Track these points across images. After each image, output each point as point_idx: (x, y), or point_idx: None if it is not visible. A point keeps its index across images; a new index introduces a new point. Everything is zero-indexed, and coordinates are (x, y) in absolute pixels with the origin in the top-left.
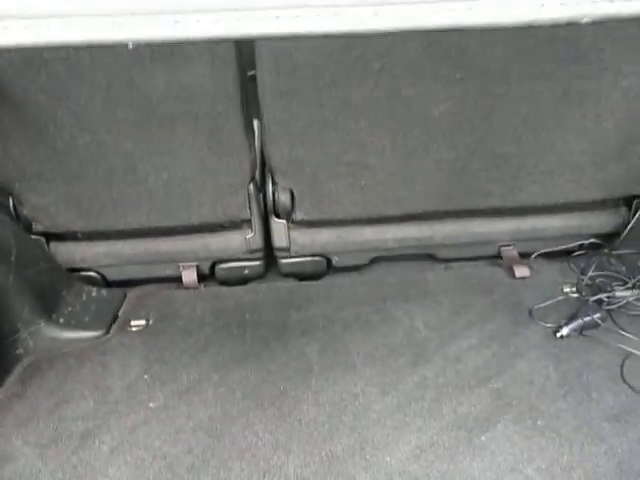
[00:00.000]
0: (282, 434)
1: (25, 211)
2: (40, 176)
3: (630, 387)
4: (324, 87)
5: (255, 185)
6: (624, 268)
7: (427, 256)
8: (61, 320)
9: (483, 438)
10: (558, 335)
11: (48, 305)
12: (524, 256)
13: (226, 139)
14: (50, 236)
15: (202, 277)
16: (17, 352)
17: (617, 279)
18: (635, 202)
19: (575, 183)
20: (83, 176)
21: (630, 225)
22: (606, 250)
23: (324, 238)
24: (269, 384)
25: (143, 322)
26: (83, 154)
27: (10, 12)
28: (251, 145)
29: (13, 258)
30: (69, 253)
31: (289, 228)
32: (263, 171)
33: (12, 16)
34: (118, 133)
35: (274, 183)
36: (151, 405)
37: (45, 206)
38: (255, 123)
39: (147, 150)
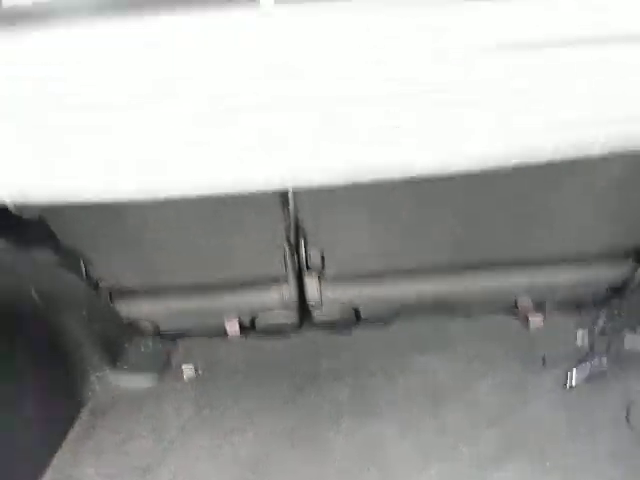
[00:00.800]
0: (315, 470)
1: (93, 272)
2: (107, 243)
3: (633, 429)
4: None
5: (290, 245)
6: (633, 317)
7: (446, 308)
8: (124, 367)
9: (495, 476)
10: (568, 382)
11: (113, 354)
12: (539, 306)
13: (264, 208)
14: (114, 292)
15: (243, 328)
16: (86, 395)
17: (626, 327)
18: None
19: (581, 241)
20: (143, 243)
21: (638, 276)
22: (616, 300)
23: (352, 292)
24: (304, 426)
25: (192, 369)
26: (144, 225)
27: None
28: (285, 212)
29: (85, 313)
30: (129, 307)
31: (320, 283)
32: (297, 233)
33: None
34: (175, 210)
35: (306, 244)
36: (201, 444)
37: (110, 267)
38: (290, 190)
39: (198, 221)
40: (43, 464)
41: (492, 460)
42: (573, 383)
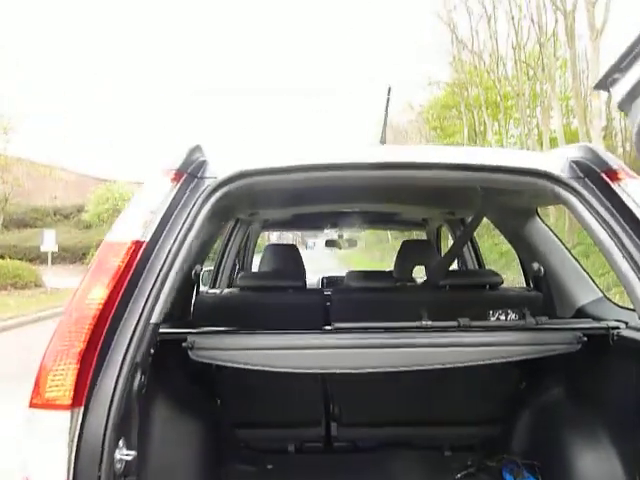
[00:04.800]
0: None
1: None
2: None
3: None
4: None
5: (325, 406)
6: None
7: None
8: None
9: None
10: None
11: None
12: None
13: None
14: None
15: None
16: None
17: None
18: None
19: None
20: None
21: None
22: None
23: (355, 432)
24: None
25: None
26: (258, 387)
27: None
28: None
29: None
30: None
31: (337, 427)
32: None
33: None
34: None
35: (334, 406)
36: None
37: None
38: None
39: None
40: None
41: None
42: None
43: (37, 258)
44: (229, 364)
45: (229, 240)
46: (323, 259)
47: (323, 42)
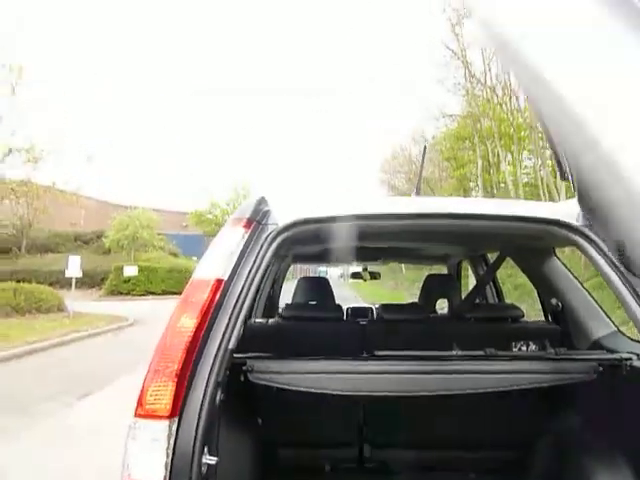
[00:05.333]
0: None
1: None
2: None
3: None
4: None
5: (359, 429)
6: None
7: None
8: None
9: None
10: None
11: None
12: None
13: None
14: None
15: (332, 468)
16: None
17: None
18: None
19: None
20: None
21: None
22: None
23: (384, 454)
24: None
25: None
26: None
27: None
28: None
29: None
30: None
31: (370, 448)
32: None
33: None
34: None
35: (367, 430)
36: None
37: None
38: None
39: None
40: None
41: None
42: None
43: (57, 282)
44: (283, 386)
45: (266, 272)
46: (338, 289)
47: (323, 42)
